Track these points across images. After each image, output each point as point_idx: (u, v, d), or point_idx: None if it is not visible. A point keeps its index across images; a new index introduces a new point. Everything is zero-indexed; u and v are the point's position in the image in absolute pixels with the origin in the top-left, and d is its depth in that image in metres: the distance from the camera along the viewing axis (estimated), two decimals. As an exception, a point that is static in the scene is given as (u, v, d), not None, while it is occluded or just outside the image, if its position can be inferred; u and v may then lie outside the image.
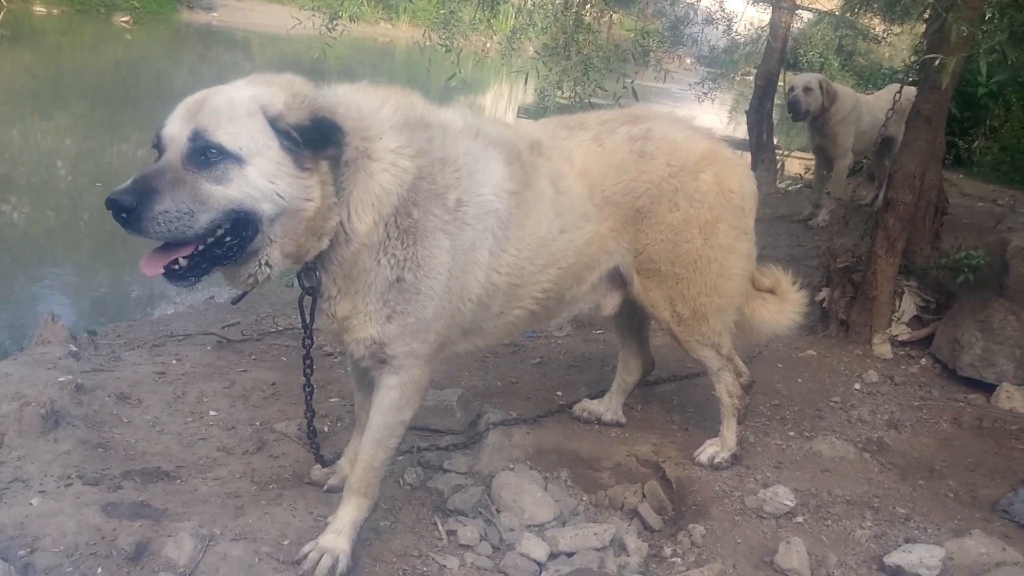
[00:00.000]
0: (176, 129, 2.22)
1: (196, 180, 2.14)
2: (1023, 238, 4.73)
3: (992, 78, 3.91)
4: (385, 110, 2.51)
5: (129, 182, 2.12)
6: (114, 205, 2.06)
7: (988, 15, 4.26)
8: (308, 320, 2.61)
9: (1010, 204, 8.30)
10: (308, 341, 2.71)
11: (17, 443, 3.00)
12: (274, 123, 2.21)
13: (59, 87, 14.34)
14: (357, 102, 2.49)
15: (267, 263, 2.32)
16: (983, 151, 11.06)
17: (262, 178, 2.18)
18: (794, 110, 7.71)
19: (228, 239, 2.22)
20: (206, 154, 2.16)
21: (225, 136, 2.16)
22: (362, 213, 2.39)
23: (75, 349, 4.06)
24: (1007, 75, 3.98)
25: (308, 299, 2.56)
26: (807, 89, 7.59)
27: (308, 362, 2.79)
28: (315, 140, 2.23)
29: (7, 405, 3.17)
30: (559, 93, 6.93)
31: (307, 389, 2.85)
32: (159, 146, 2.26)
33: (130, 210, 2.06)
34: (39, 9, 20.23)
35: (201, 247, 2.20)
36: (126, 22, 21.28)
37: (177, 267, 2.20)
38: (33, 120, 12.02)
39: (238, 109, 2.21)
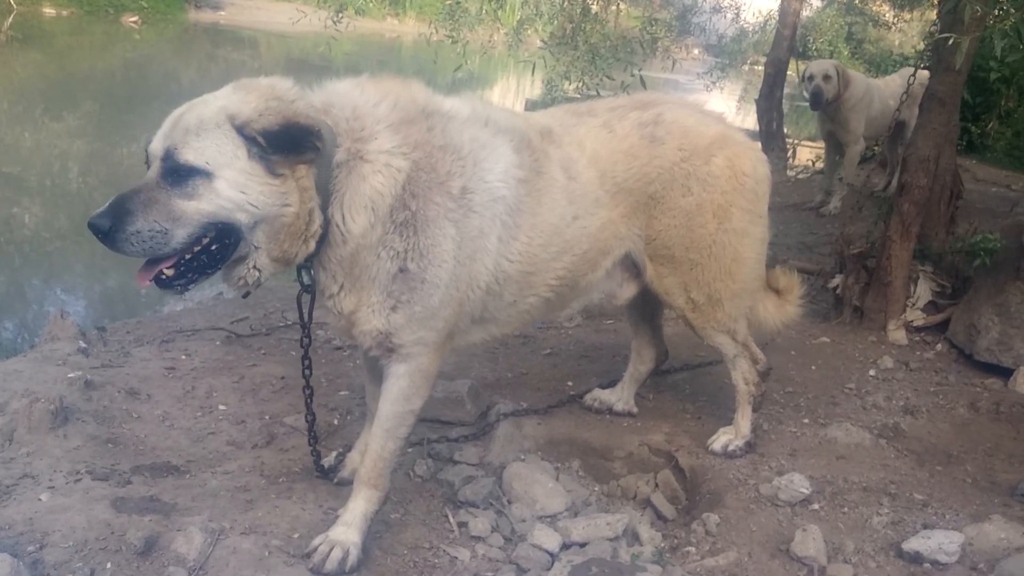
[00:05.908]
0: (157, 146, 2.28)
1: (169, 198, 2.21)
2: (1040, 220, 4.64)
3: (1006, 59, 3.83)
4: (382, 108, 2.48)
5: (107, 204, 2.20)
6: (93, 228, 2.18)
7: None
8: (307, 319, 2.63)
9: (1025, 188, 8.20)
10: (306, 340, 2.72)
11: (27, 439, 3.00)
12: (241, 131, 2.23)
13: (69, 88, 14.39)
14: (353, 101, 2.47)
15: (255, 267, 2.37)
16: (996, 136, 10.92)
17: (232, 189, 2.22)
18: (816, 100, 7.53)
19: (214, 247, 2.29)
20: (177, 172, 2.21)
21: (192, 152, 2.21)
22: (356, 215, 2.40)
23: (84, 345, 4.06)
24: (1022, 55, 3.89)
25: (307, 297, 2.57)
26: (827, 77, 7.42)
27: (307, 362, 2.79)
28: (285, 145, 2.22)
29: (17, 402, 3.16)
30: (566, 84, 6.88)
31: (307, 391, 2.84)
32: (147, 162, 2.33)
33: (106, 232, 2.17)
34: (49, 11, 20.32)
35: (188, 256, 2.28)
36: (135, 22, 21.34)
37: (164, 277, 2.30)
38: (44, 121, 12.08)
39: (206, 122, 2.24)
